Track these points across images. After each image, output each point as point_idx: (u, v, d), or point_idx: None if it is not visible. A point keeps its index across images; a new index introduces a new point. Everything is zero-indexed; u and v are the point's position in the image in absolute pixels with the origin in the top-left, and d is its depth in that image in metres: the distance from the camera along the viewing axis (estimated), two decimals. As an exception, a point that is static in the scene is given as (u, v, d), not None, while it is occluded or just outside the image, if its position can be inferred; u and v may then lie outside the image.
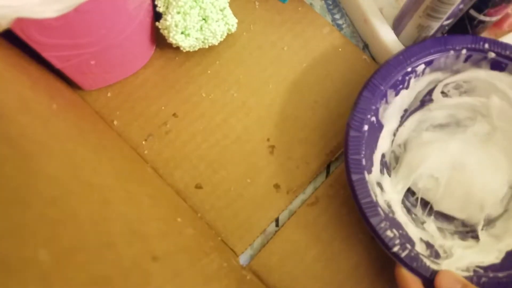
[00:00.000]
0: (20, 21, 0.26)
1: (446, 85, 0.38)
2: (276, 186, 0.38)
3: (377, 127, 0.36)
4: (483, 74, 0.37)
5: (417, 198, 0.37)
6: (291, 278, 0.36)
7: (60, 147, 0.22)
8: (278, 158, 0.39)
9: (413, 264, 0.31)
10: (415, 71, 0.36)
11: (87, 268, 0.16)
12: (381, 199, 0.34)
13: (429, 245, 0.33)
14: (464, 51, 0.36)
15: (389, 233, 0.31)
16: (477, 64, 0.37)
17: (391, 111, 0.36)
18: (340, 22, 0.44)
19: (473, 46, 0.36)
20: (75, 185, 0.20)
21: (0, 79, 0.23)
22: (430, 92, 0.38)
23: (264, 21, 0.42)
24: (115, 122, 0.38)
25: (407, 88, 0.36)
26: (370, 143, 0.35)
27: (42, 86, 0.30)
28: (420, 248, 0.33)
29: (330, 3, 0.45)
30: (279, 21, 0.43)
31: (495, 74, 0.37)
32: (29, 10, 0.26)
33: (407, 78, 0.36)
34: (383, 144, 0.36)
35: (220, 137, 0.39)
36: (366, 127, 0.34)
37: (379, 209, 0.32)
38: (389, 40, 0.40)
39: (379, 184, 0.35)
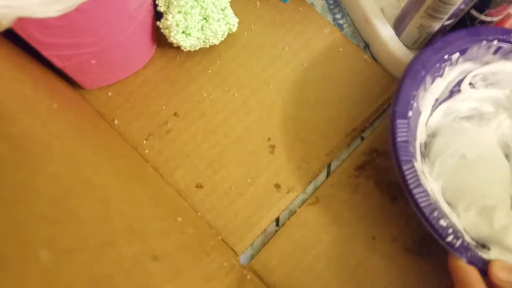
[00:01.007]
0: (21, 20, 0.26)
1: (474, 76, 0.38)
2: (277, 186, 0.38)
3: (417, 114, 0.35)
4: (510, 67, 0.37)
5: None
6: (292, 278, 0.36)
7: (60, 146, 0.22)
8: (278, 157, 0.39)
9: (467, 254, 0.30)
10: (451, 59, 0.36)
11: (87, 267, 0.16)
12: (428, 187, 0.33)
13: (473, 237, 0.33)
14: (495, 42, 0.36)
15: (442, 222, 0.31)
16: (505, 56, 0.37)
17: (427, 98, 0.36)
18: (341, 22, 0.44)
19: (504, 37, 0.36)
20: (76, 184, 0.20)
21: (0, 78, 0.23)
22: (459, 83, 0.38)
23: (265, 21, 0.42)
24: (115, 122, 0.38)
25: (441, 76, 0.36)
26: (413, 131, 0.34)
27: (43, 85, 0.30)
28: (468, 238, 0.32)
29: (331, 3, 0.45)
30: (280, 21, 0.43)
31: None
32: (30, 10, 0.26)
33: (443, 65, 0.36)
34: (421, 133, 0.36)
35: (221, 136, 0.39)
36: (410, 113, 0.33)
37: (430, 198, 0.31)
38: (390, 40, 0.40)
39: (423, 173, 0.34)
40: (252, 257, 0.37)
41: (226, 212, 0.37)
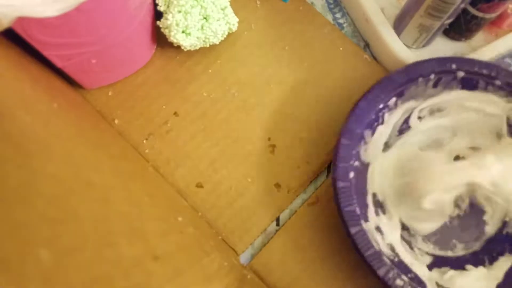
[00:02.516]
0: (21, 20, 0.26)
1: (421, 110, 0.37)
2: (277, 186, 0.38)
3: (362, 169, 0.35)
4: (454, 95, 0.37)
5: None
6: (292, 278, 0.36)
7: (60, 146, 0.22)
8: (278, 157, 0.39)
9: None
10: (388, 106, 0.35)
11: (87, 267, 0.16)
12: (383, 245, 0.33)
13: (439, 284, 0.33)
14: (432, 76, 0.35)
15: (398, 282, 0.31)
16: (448, 85, 0.36)
17: (371, 149, 0.36)
18: (341, 21, 0.44)
19: (440, 69, 0.35)
20: (76, 184, 0.20)
21: (1, 78, 0.23)
22: (406, 120, 0.38)
23: (265, 20, 0.42)
24: (116, 121, 0.38)
25: (382, 123, 0.36)
26: (360, 188, 0.34)
27: (43, 85, 0.30)
28: (432, 287, 0.33)
29: (331, 2, 0.45)
30: (280, 20, 0.43)
31: (466, 94, 0.36)
32: (30, 9, 0.26)
33: (380, 114, 0.35)
34: (372, 184, 0.36)
35: (221, 136, 0.39)
36: (352, 174, 0.33)
37: (384, 257, 0.32)
38: (390, 39, 0.40)
39: (378, 228, 0.34)
40: (253, 256, 0.37)
41: (227, 211, 0.37)
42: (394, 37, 0.40)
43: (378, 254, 0.32)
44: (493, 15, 0.38)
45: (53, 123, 0.25)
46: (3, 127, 0.18)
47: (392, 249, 0.34)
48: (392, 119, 0.37)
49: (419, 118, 0.38)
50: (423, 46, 0.41)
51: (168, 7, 0.36)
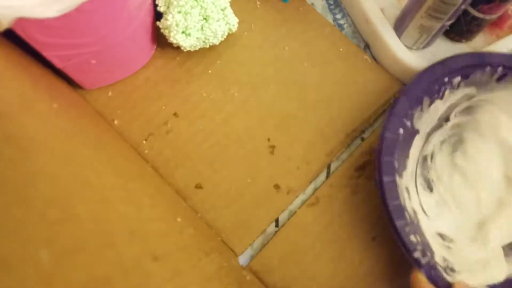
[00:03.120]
0: (21, 20, 0.26)
1: (478, 101, 0.37)
2: (276, 186, 0.38)
3: (412, 133, 0.36)
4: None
5: None
6: (291, 279, 0.36)
7: (60, 147, 0.22)
8: (278, 158, 0.39)
9: (431, 273, 0.31)
10: (451, 83, 0.36)
11: (87, 268, 0.16)
12: (408, 204, 0.34)
13: (446, 259, 0.34)
14: (500, 69, 0.35)
15: (412, 238, 0.31)
16: (510, 84, 0.36)
17: (424, 120, 0.36)
18: (341, 22, 0.44)
19: (510, 64, 0.35)
20: (76, 185, 0.20)
21: (1, 78, 0.23)
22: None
23: (265, 20, 0.42)
24: (115, 122, 0.38)
25: (441, 98, 0.36)
26: (404, 147, 0.35)
27: (43, 85, 0.30)
28: (438, 259, 0.33)
29: (332, 3, 0.45)
30: (280, 20, 0.43)
31: None
32: (30, 10, 0.26)
33: (442, 88, 0.36)
34: (416, 150, 0.36)
35: (221, 137, 0.39)
36: (401, 131, 0.34)
37: (406, 213, 0.32)
38: (390, 40, 0.40)
39: (407, 190, 0.35)
40: (252, 257, 0.37)
41: (226, 212, 0.37)
42: (394, 38, 0.40)
43: (401, 208, 0.32)
44: (493, 16, 0.38)
45: (53, 124, 0.25)
46: (3, 127, 0.18)
47: (415, 212, 0.34)
48: (450, 99, 0.37)
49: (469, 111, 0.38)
50: (424, 47, 0.41)
51: (168, 7, 0.36)
